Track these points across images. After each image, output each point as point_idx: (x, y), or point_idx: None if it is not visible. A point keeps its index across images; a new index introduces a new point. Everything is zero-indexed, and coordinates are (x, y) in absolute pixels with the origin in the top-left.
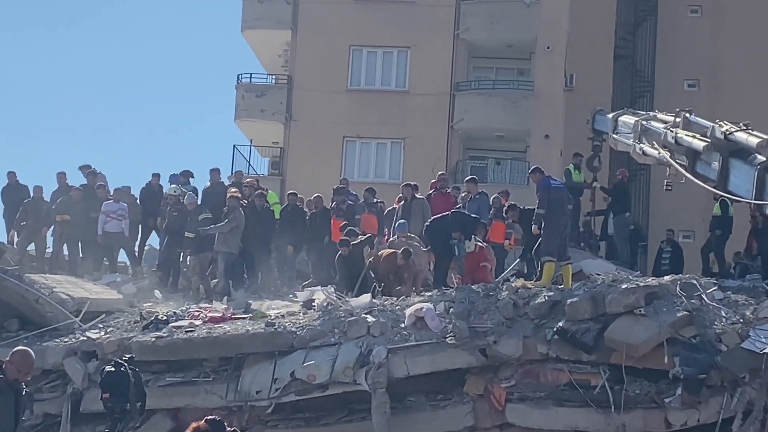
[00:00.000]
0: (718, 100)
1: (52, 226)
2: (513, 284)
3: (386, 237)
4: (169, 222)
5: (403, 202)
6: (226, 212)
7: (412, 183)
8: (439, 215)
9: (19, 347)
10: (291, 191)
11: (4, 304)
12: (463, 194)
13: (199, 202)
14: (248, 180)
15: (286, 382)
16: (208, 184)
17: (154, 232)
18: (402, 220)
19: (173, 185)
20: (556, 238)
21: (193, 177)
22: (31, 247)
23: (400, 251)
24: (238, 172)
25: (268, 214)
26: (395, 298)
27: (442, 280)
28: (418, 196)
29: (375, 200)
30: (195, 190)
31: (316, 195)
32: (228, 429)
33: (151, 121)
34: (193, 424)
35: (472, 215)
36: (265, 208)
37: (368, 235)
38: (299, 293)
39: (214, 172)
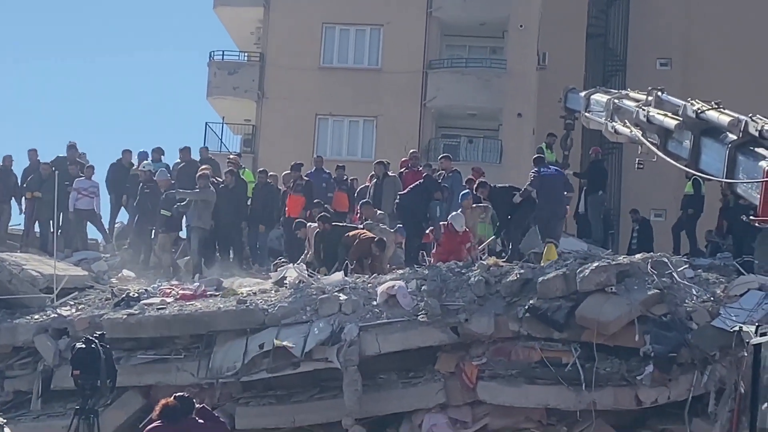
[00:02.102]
0: (691, 78)
1: (23, 199)
2: (485, 262)
3: (357, 215)
4: (140, 200)
5: (375, 180)
6: (198, 191)
7: (384, 161)
8: (408, 188)
9: None
10: (261, 169)
11: None
12: (438, 172)
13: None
14: (232, 157)
15: (258, 357)
16: (179, 162)
17: (123, 209)
18: (401, 225)
19: (144, 162)
20: (548, 222)
21: (164, 154)
22: None
23: (374, 241)
24: (203, 149)
25: (240, 191)
26: (366, 277)
27: (414, 257)
28: (390, 173)
29: (345, 177)
30: (168, 167)
31: (286, 172)
32: (197, 405)
33: (123, 99)
34: (162, 401)
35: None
36: (236, 185)
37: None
38: (273, 274)
39: (185, 150)
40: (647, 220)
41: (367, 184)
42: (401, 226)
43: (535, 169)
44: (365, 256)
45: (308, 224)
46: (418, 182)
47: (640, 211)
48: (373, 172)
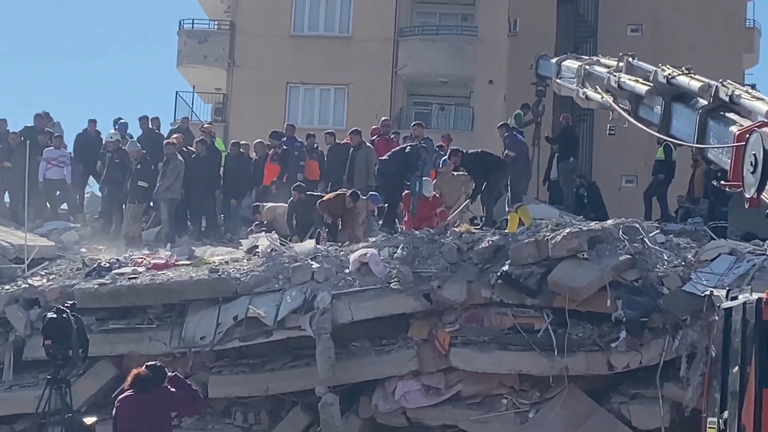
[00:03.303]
0: (661, 44)
1: None
2: (457, 229)
3: (329, 183)
4: (109, 170)
5: (351, 149)
6: (165, 160)
7: (359, 130)
8: (391, 153)
9: None
10: (234, 141)
11: None
12: (406, 140)
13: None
14: (206, 126)
15: (230, 326)
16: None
17: (92, 178)
18: (374, 193)
19: (112, 131)
20: (521, 185)
21: (127, 126)
22: None
23: (348, 194)
24: (184, 119)
25: (211, 160)
26: (339, 244)
27: (392, 223)
28: (366, 143)
29: (316, 146)
30: (131, 137)
31: (257, 141)
32: (169, 374)
33: (92, 68)
34: (134, 371)
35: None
36: (208, 154)
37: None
38: (244, 242)
39: (143, 120)
40: (594, 182)
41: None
42: (374, 193)
43: (509, 133)
44: (340, 214)
45: (263, 206)
46: (400, 149)
47: (612, 178)
48: (346, 140)
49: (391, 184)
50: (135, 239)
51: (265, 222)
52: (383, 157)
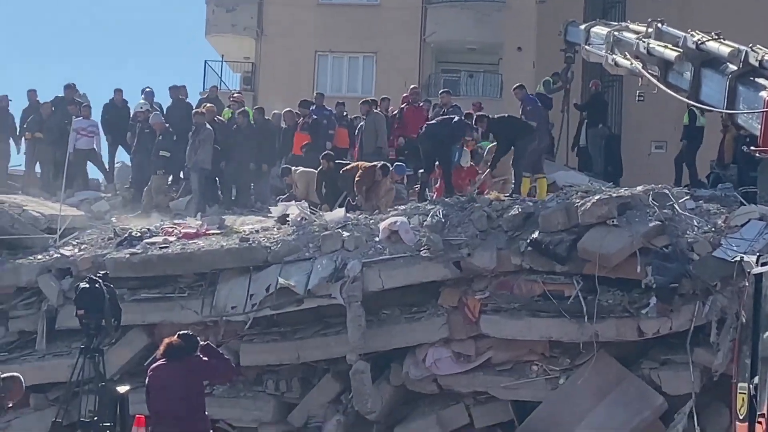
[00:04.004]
0: (690, 10)
1: (22, 141)
2: (487, 196)
3: (356, 148)
4: (139, 140)
5: (362, 118)
6: (195, 130)
7: (369, 99)
8: (440, 120)
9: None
10: (258, 106)
11: None
12: (435, 109)
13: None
14: (235, 95)
15: (262, 297)
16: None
17: (122, 148)
18: (400, 163)
19: (141, 101)
20: (540, 154)
21: (153, 95)
22: None
23: (378, 167)
24: (213, 88)
25: (247, 131)
26: (369, 213)
27: (451, 187)
28: (375, 110)
29: (345, 114)
30: (160, 107)
31: (287, 110)
32: (201, 343)
33: (121, 38)
34: (166, 340)
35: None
36: (247, 126)
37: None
38: (274, 209)
39: (173, 89)
40: (616, 135)
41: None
42: (400, 164)
43: (526, 98)
44: (369, 185)
45: (294, 169)
46: (449, 119)
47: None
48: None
49: (442, 146)
50: (162, 210)
51: (296, 186)
52: (431, 122)
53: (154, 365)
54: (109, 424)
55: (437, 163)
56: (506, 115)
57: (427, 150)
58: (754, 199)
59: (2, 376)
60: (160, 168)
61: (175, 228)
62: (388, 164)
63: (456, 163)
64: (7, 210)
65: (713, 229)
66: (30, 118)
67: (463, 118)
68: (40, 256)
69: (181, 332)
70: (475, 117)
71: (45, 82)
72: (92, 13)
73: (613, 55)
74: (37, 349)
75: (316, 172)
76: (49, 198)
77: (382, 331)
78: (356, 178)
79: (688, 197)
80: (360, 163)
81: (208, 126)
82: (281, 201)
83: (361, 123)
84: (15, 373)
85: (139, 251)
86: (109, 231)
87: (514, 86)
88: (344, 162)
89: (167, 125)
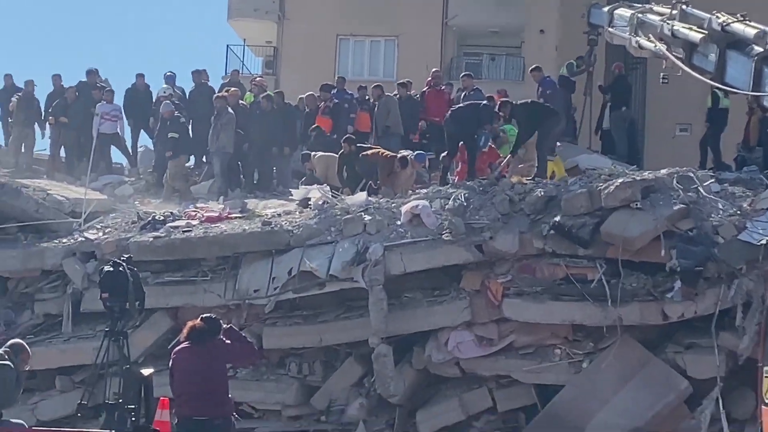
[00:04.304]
0: None
1: (47, 126)
2: (509, 180)
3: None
4: (162, 124)
5: (374, 101)
6: (216, 114)
7: (381, 85)
8: (468, 104)
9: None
10: (278, 90)
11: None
12: (458, 92)
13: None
14: (257, 79)
15: (284, 280)
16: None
17: (144, 132)
18: (420, 151)
19: (165, 86)
20: (556, 136)
21: (175, 78)
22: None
23: (398, 157)
24: (234, 72)
25: (270, 116)
26: (390, 197)
27: (474, 171)
28: (387, 94)
29: (367, 97)
30: (182, 91)
31: (308, 94)
32: (224, 326)
33: (142, 23)
34: (189, 323)
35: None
36: (270, 110)
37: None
38: (295, 192)
39: (196, 73)
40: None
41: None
42: (421, 152)
43: (544, 80)
44: (388, 172)
45: (312, 154)
46: (476, 103)
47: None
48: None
49: (468, 129)
50: (185, 194)
51: (315, 171)
52: (459, 105)
53: (178, 348)
54: (133, 406)
55: (461, 145)
56: (529, 100)
57: (452, 133)
58: None
59: (7, 344)
60: (169, 150)
61: (198, 212)
62: (407, 157)
63: (481, 148)
64: (31, 195)
65: (738, 212)
66: (55, 103)
67: (486, 102)
68: (65, 240)
69: (204, 315)
70: (499, 102)
71: (68, 67)
72: None
73: (637, 38)
74: (62, 332)
75: (336, 156)
76: (74, 182)
77: (405, 315)
78: (380, 167)
79: (712, 180)
80: (380, 150)
81: (229, 110)
82: (302, 184)
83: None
84: (16, 340)
85: (163, 235)
86: (132, 215)
87: (531, 68)
88: (365, 146)
89: (177, 113)
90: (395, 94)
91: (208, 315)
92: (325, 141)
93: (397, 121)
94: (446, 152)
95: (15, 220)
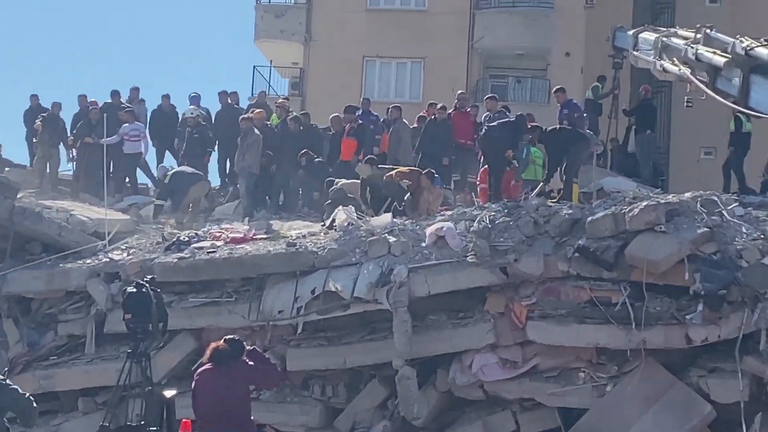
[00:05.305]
0: (740, 16)
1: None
2: (533, 202)
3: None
4: (188, 144)
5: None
6: (243, 135)
7: (399, 106)
8: (501, 122)
9: None
10: (304, 111)
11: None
12: (485, 114)
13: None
14: (280, 101)
15: (308, 301)
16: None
17: (169, 153)
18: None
19: (191, 107)
20: (579, 161)
21: (200, 99)
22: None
23: (423, 172)
24: (261, 93)
25: (298, 137)
26: (416, 218)
27: (499, 192)
28: (401, 118)
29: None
30: (207, 111)
31: (334, 115)
32: (248, 348)
33: (170, 43)
34: (212, 344)
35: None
36: (298, 131)
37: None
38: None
39: (223, 95)
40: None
41: (414, 125)
42: (436, 175)
43: (567, 102)
44: (414, 187)
45: (336, 181)
46: (509, 119)
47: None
48: (421, 113)
49: (499, 150)
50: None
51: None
52: (492, 124)
53: (201, 370)
54: (155, 428)
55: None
56: (557, 126)
57: (490, 152)
58: None
59: None
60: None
61: (223, 232)
62: (433, 172)
63: (526, 160)
64: (54, 217)
65: (762, 236)
66: (80, 124)
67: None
68: (89, 260)
69: (228, 337)
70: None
71: (95, 87)
72: (142, 18)
73: (662, 61)
74: (85, 353)
75: (358, 182)
76: (98, 203)
77: (429, 337)
78: (407, 179)
79: (736, 204)
80: (401, 168)
81: (255, 131)
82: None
83: (416, 126)
84: None
85: (187, 256)
86: (157, 235)
87: (555, 89)
88: (387, 167)
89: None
90: (424, 115)
91: (232, 337)
92: (315, 167)
93: (407, 151)
94: (484, 168)
95: (38, 241)
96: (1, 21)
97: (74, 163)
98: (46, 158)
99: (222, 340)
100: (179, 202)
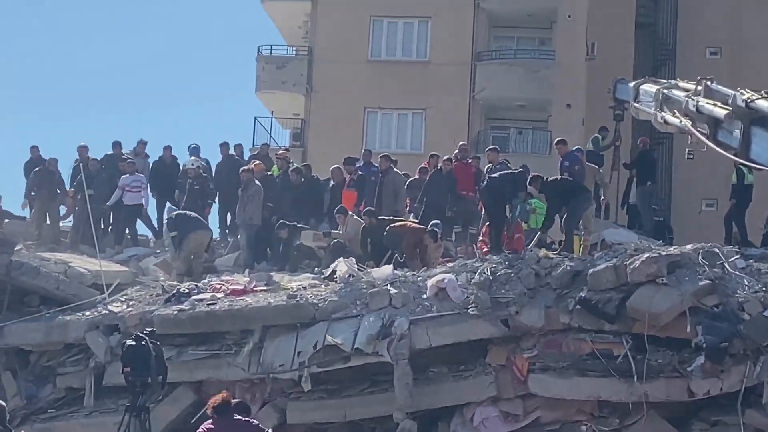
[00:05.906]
0: (740, 68)
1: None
2: (535, 254)
3: (407, 207)
4: (189, 196)
5: (381, 175)
6: (243, 187)
7: (389, 155)
8: (502, 173)
9: None
10: (305, 163)
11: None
12: (488, 165)
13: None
14: (280, 152)
15: (309, 354)
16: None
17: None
18: (438, 221)
19: (192, 158)
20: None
21: (199, 150)
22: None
23: (426, 231)
24: (264, 145)
25: (299, 188)
26: (416, 270)
27: (499, 244)
28: (395, 169)
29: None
30: (207, 162)
31: (334, 167)
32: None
33: (171, 95)
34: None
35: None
36: (300, 183)
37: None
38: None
39: (224, 146)
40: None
41: (416, 176)
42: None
43: (569, 154)
44: (416, 246)
45: (351, 213)
46: (511, 171)
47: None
48: (422, 165)
49: (500, 202)
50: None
51: (346, 228)
52: (493, 175)
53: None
54: None
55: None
56: (559, 177)
57: (489, 203)
58: None
59: None
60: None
61: (223, 284)
62: (436, 230)
63: (518, 216)
64: (52, 270)
65: (764, 288)
66: (79, 176)
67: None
68: (88, 313)
69: (236, 400)
70: (530, 176)
71: (95, 137)
72: (143, 68)
73: (662, 113)
74: (84, 405)
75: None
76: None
77: (430, 390)
78: (406, 238)
79: (738, 256)
80: (407, 222)
81: (256, 182)
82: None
83: (417, 177)
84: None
85: (187, 308)
86: (157, 287)
87: (557, 140)
88: (386, 218)
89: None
90: (425, 167)
91: (239, 401)
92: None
93: (403, 202)
94: (488, 223)
95: (37, 294)
96: (3, 69)
97: (74, 215)
98: (45, 210)
99: (223, 394)
100: (179, 241)
